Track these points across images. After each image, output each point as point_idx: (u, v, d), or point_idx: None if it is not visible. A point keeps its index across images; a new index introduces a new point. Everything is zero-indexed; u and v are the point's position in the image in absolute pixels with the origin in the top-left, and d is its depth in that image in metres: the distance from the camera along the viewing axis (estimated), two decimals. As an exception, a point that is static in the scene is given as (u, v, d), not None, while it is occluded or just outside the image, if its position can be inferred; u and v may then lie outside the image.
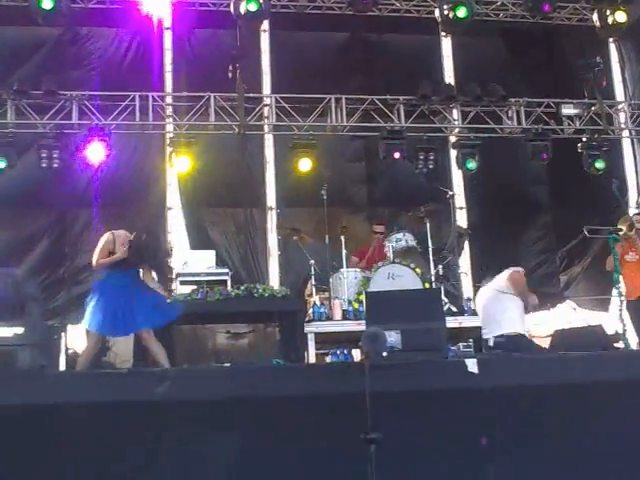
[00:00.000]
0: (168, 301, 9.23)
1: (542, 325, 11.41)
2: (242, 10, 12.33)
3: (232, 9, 12.49)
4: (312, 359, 10.00)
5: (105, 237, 8.84)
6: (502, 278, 9.99)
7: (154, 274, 9.25)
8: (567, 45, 15.88)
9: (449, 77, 15.76)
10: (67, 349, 9.34)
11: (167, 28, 14.93)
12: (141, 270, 8.99)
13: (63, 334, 9.18)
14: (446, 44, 15.90)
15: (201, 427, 6.57)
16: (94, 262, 8.86)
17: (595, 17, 13.72)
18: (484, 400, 6.96)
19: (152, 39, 14.58)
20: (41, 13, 11.92)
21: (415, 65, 15.07)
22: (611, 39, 15.92)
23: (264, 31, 15.10)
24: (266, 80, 15.12)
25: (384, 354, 7.04)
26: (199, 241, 14.44)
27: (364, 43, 15.59)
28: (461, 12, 12.94)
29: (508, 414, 6.96)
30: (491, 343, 9.44)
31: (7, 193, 13.53)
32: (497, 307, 9.84)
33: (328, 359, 11.65)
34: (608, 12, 13.49)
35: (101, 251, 8.78)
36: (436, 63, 15.82)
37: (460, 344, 10.55)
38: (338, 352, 11.63)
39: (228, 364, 8.86)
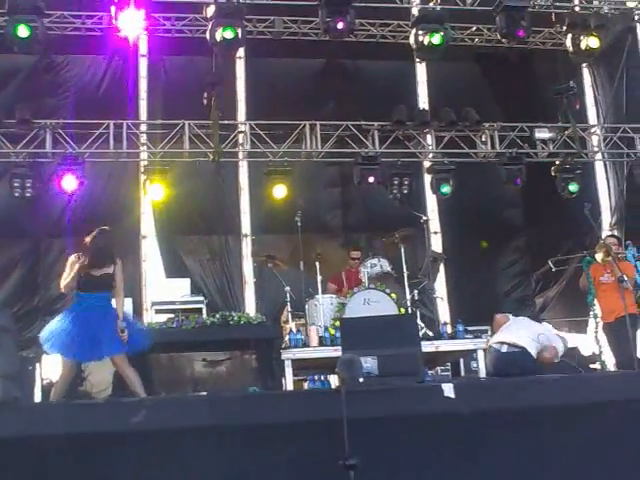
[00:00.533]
0: (140, 329, 9.09)
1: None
2: (218, 37, 12.32)
3: (208, 36, 12.46)
4: (290, 386, 9.95)
5: (70, 259, 8.69)
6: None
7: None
8: (541, 69, 16.02)
9: (423, 102, 15.86)
10: (42, 379, 9.26)
11: (142, 55, 14.99)
12: (114, 265, 8.78)
13: (38, 364, 9.10)
14: (421, 69, 16.03)
15: (179, 456, 6.53)
16: (62, 285, 8.73)
17: (568, 42, 13.81)
18: (462, 424, 6.95)
19: (127, 66, 14.63)
20: (17, 41, 11.84)
21: (390, 90, 15.18)
22: (584, 64, 16.04)
23: (239, 58, 15.18)
24: (241, 107, 15.21)
25: (360, 380, 7.02)
26: (174, 269, 14.40)
27: (339, 69, 15.72)
28: (436, 39, 12.89)
29: (485, 438, 6.95)
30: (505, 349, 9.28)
31: (-20, 222, 13.50)
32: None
33: (306, 385, 11.62)
34: (581, 37, 13.58)
35: (68, 274, 8.66)
36: (411, 88, 15.96)
37: (438, 368, 10.56)
38: (315, 378, 11.60)
39: (205, 392, 8.82)
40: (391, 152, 14.60)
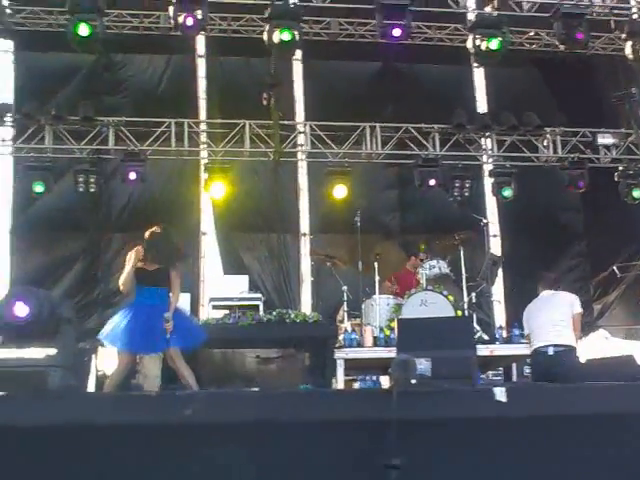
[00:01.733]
0: (197, 325, 9.18)
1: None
2: (275, 39, 12.35)
3: (265, 38, 12.53)
4: (340, 385, 9.96)
5: (129, 254, 8.79)
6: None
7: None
8: (602, 75, 15.84)
9: (481, 107, 15.76)
10: (97, 371, 9.39)
11: (200, 56, 15.10)
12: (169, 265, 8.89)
13: (93, 356, 9.23)
14: (478, 74, 15.94)
15: (228, 450, 6.55)
16: (120, 283, 8.83)
17: (628, 50, 13.61)
18: (512, 429, 6.88)
19: (185, 66, 14.76)
20: (77, 39, 12.01)
21: (447, 95, 15.13)
22: (645, 71, 15.85)
23: (297, 59, 15.19)
24: (299, 108, 15.26)
25: (413, 381, 6.99)
26: (232, 266, 14.54)
27: (396, 72, 15.63)
28: (494, 44, 12.78)
29: (536, 444, 6.88)
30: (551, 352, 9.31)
31: (44, 216, 13.78)
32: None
33: (356, 385, 11.62)
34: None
35: (126, 271, 8.77)
36: (468, 93, 15.87)
37: (489, 372, 10.49)
38: (367, 378, 11.59)
39: (256, 389, 8.85)
40: (452, 155, 14.55)
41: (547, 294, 9.99)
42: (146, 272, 8.69)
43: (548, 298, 9.95)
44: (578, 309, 9.81)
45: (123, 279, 8.75)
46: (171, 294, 8.78)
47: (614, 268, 12.92)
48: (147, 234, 8.82)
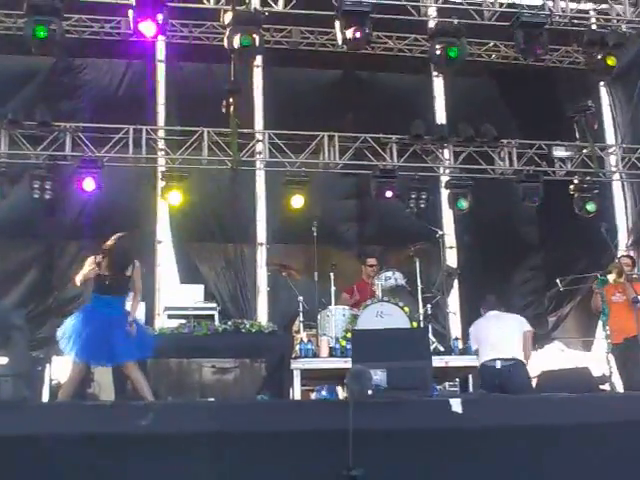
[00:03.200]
0: (150, 334, 9.11)
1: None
2: (236, 45, 12.33)
3: (226, 43, 12.49)
4: (297, 395, 9.94)
5: (89, 259, 8.69)
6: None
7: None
8: (559, 87, 15.99)
9: (440, 117, 15.82)
10: (51, 380, 9.29)
11: (160, 61, 15.05)
12: (132, 268, 8.81)
13: (47, 365, 9.13)
14: (438, 83, 15.99)
15: (184, 461, 6.54)
16: (77, 279, 8.78)
17: (586, 61, 13.79)
18: (467, 440, 6.93)
19: (145, 71, 14.73)
20: (35, 42, 11.88)
21: (407, 104, 15.21)
22: (602, 83, 16.01)
23: (257, 66, 15.16)
24: (258, 116, 15.18)
25: (369, 392, 7.01)
26: (188, 275, 14.45)
27: (357, 81, 15.71)
28: (453, 52, 12.93)
29: (492, 455, 6.93)
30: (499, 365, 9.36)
31: (-2, 223, 13.62)
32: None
33: (313, 396, 11.61)
34: (599, 55, 13.55)
35: (82, 270, 8.70)
36: (428, 102, 15.91)
37: (446, 383, 10.52)
38: (323, 389, 11.59)
39: (212, 399, 8.83)
40: (409, 166, 14.59)
41: (493, 313, 10.07)
42: (104, 280, 8.62)
43: (496, 315, 10.04)
44: (528, 327, 9.89)
45: (83, 276, 8.68)
46: (132, 299, 8.79)
47: (557, 282, 12.98)
48: (110, 243, 8.73)
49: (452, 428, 7.01)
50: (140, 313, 9.72)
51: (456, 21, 13.20)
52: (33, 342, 12.05)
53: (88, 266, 8.67)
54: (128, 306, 8.76)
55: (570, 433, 7.09)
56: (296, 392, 9.97)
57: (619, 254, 13.15)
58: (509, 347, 9.41)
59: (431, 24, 13.66)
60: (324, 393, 11.05)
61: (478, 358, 9.80)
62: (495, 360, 9.28)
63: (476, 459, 6.89)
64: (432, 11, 13.94)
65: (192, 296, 11.06)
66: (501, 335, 9.63)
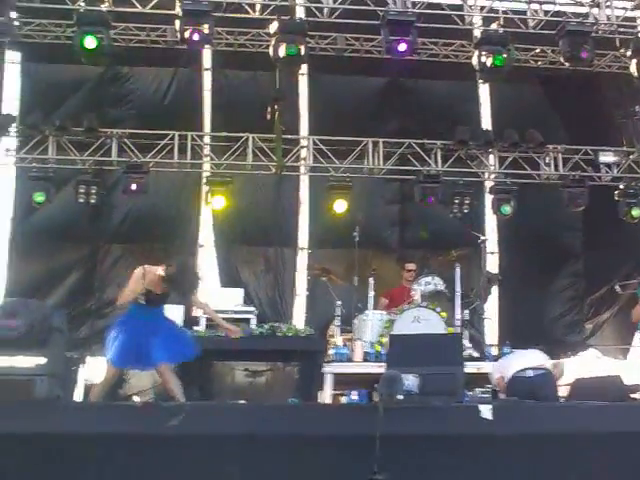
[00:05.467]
0: (189, 338, 9.23)
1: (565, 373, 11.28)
2: (281, 53, 12.42)
3: (271, 52, 12.60)
4: (327, 399, 10.00)
5: (136, 273, 8.84)
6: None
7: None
8: (606, 93, 15.80)
9: (486, 123, 15.76)
10: (85, 380, 9.45)
11: (206, 69, 15.18)
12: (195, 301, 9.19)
13: (81, 365, 9.29)
14: (483, 90, 15.90)
15: (213, 462, 6.62)
16: (120, 299, 8.94)
17: (633, 67, 13.63)
18: (497, 447, 6.92)
19: (192, 79, 14.88)
20: (84, 52, 12.08)
21: (452, 110, 15.19)
22: (649, 89, 15.85)
23: (302, 74, 15.23)
24: (303, 122, 15.29)
25: (399, 397, 7.04)
26: (230, 279, 14.61)
27: (401, 87, 15.69)
28: (498, 61, 12.89)
29: (522, 462, 6.92)
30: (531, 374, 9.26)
31: (43, 226, 13.92)
32: None
33: (343, 400, 11.64)
34: (646, 63, 13.42)
35: (130, 289, 8.84)
36: (473, 108, 15.86)
37: (477, 390, 10.48)
38: (353, 393, 11.61)
39: (243, 401, 8.90)
40: (453, 171, 14.60)
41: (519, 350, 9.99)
42: (154, 296, 8.80)
43: (520, 351, 9.95)
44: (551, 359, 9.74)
45: (125, 298, 8.83)
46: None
47: (615, 286, 12.84)
48: (170, 269, 8.83)
49: (481, 434, 7.01)
50: (178, 317, 9.90)
51: (501, 30, 13.18)
52: (71, 343, 12.25)
53: (134, 283, 8.80)
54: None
55: (599, 441, 7.04)
56: (326, 396, 10.05)
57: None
58: (539, 359, 9.29)
59: (476, 32, 13.65)
60: (354, 398, 11.06)
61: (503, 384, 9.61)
62: (526, 370, 9.14)
63: (505, 466, 6.88)
64: (477, 19, 13.90)
65: (232, 300, 11.20)
66: (532, 352, 9.53)
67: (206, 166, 14.44)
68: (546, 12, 13.44)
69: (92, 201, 13.44)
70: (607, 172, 14.92)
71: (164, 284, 8.76)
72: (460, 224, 14.36)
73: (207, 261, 14.76)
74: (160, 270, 8.75)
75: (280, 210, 15.03)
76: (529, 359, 9.24)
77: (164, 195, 14.43)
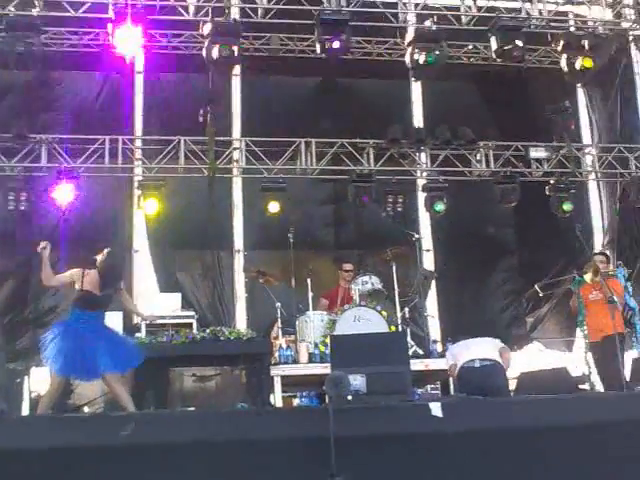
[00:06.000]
0: (133, 345, 9.10)
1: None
2: (214, 55, 12.35)
3: (204, 54, 12.50)
4: (278, 402, 9.96)
5: (75, 271, 8.77)
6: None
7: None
8: (537, 89, 16.01)
9: (418, 121, 15.78)
10: (30, 392, 9.26)
11: (139, 72, 14.95)
12: (118, 291, 8.98)
13: (26, 377, 9.10)
14: (416, 88, 15.92)
15: (165, 471, 6.54)
16: (48, 282, 8.84)
17: (563, 62, 13.85)
18: (449, 444, 6.95)
19: (123, 82, 14.65)
20: (13, 57, 11.87)
21: (385, 109, 15.16)
22: (579, 84, 16.08)
23: (235, 75, 15.07)
24: (236, 123, 15.10)
25: (349, 398, 7.03)
26: (166, 284, 14.36)
27: (335, 87, 15.71)
28: (431, 57, 12.98)
29: (473, 458, 6.95)
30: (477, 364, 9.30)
31: (-27, 234, 13.55)
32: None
33: (295, 402, 11.61)
34: (576, 58, 13.62)
35: (62, 276, 8.78)
36: (406, 106, 15.86)
37: (428, 386, 10.54)
38: (304, 395, 11.60)
39: (193, 408, 8.82)
40: (386, 170, 14.62)
41: (470, 339, 10.02)
42: (93, 296, 8.67)
43: (471, 340, 9.96)
44: (503, 345, 9.80)
45: (55, 281, 8.82)
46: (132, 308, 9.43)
47: (535, 286, 13.05)
48: (99, 258, 8.76)
49: (433, 432, 7.03)
50: (117, 323, 9.76)
51: (434, 27, 13.28)
52: (11, 353, 12.00)
53: (69, 276, 8.70)
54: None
55: (550, 434, 7.11)
56: (277, 399, 10.01)
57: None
58: (487, 351, 9.39)
59: (410, 30, 13.71)
60: (305, 400, 11.07)
61: (454, 370, 9.69)
62: (474, 360, 9.25)
63: (458, 462, 6.91)
64: (411, 17, 13.97)
65: (170, 305, 11.07)
66: (479, 342, 9.60)
67: (138, 170, 14.20)
68: (479, 8, 13.59)
69: (22, 208, 13.09)
70: (538, 168, 15.12)
71: (101, 282, 8.66)
72: (394, 223, 14.37)
73: (144, 267, 14.53)
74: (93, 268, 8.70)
75: (214, 213, 14.84)
76: (479, 349, 9.32)
77: (96, 201, 14.14)
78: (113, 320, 9.63)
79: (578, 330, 12.09)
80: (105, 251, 8.87)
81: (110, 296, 8.82)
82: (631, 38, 15.30)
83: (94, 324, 8.67)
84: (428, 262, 14.80)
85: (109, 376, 8.47)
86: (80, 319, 8.66)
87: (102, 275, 8.69)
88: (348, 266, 12.56)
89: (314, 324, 11.08)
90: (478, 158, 15.04)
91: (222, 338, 10.06)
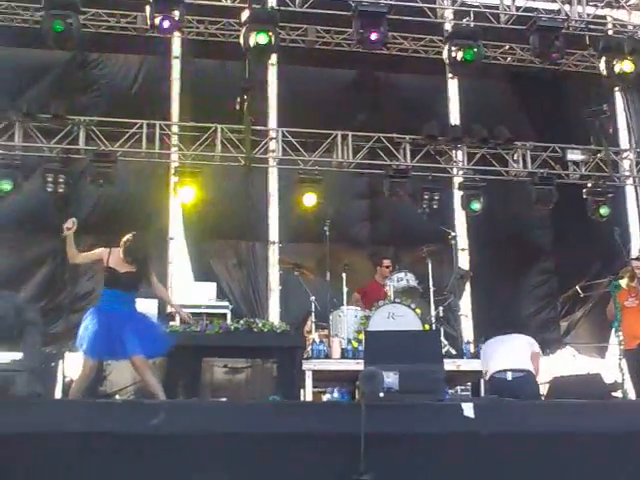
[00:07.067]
0: (163, 332, 9.10)
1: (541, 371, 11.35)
2: (252, 42, 12.30)
3: (241, 41, 12.48)
4: (309, 397, 9.94)
5: (101, 249, 8.84)
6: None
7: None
8: (574, 91, 15.94)
9: (454, 118, 15.75)
10: (64, 377, 9.29)
11: (176, 57, 15.02)
12: (151, 280, 9.02)
13: (60, 361, 9.12)
14: (453, 85, 15.89)
15: (194, 461, 6.52)
16: (74, 259, 8.88)
17: (602, 66, 13.74)
18: (479, 445, 6.90)
19: (160, 67, 14.72)
20: (52, 36, 11.90)
21: (421, 105, 15.19)
22: (617, 88, 15.95)
23: (272, 64, 15.10)
24: (272, 113, 15.13)
25: (381, 395, 6.99)
26: (201, 273, 14.44)
27: (371, 81, 15.75)
28: (469, 55, 12.93)
29: (503, 460, 6.90)
30: (510, 377, 9.21)
31: (11, 216, 13.67)
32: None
33: (325, 397, 11.59)
34: (615, 61, 13.51)
35: (89, 254, 8.87)
36: (442, 103, 15.81)
37: (458, 387, 10.49)
38: (336, 391, 11.56)
39: (224, 399, 8.81)
40: (422, 166, 14.57)
41: (501, 336, 9.91)
42: (116, 273, 8.69)
43: (504, 337, 9.85)
44: (537, 349, 9.71)
45: (80, 258, 8.89)
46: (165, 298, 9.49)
47: (577, 288, 12.96)
48: (123, 239, 8.78)
49: (464, 432, 6.98)
50: (153, 311, 9.76)
51: (472, 24, 13.22)
52: (46, 338, 12.05)
53: (96, 255, 8.82)
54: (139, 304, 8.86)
55: (581, 440, 7.04)
56: (307, 393, 10.00)
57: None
58: (520, 358, 9.26)
59: (447, 26, 13.66)
60: (335, 395, 11.02)
61: (485, 375, 9.61)
62: (506, 371, 9.12)
63: (487, 464, 6.86)
64: (449, 13, 13.91)
65: (205, 294, 11.03)
66: (511, 347, 9.48)
67: (174, 156, 14.25)
68: (518, 8, 13.51)
69: (60, 190, 13.14)
70: (575, 170, 15.03)
71: (125, 260, 8.69)
72: (430, 220, 14.31)
73: (178, 254, 14.55)
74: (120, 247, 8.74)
75: (250, 203, 14.89)
76: (512, 356, 9.20)
77: (133, 185, 14.24)
78: (148, 307, 9.62)
79: (612, 336, 11.98)
80: (128, 235, 8.86)
81: (133, 275, 8.78)
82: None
83: (122, 305, 8.69)
84: (464, 261, 14.77)
85: (140, 362, 8.47)
86: (108, 299, 8.73)
87: (125, 253, 8.69)
88: (388, 262, 12.51)
89: (348, 319, 11.03)
90: (515, 158, 14.96)
91: (255, 330, 10.03)
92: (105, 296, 8.80)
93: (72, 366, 9.54)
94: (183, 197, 13.80)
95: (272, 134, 14.41)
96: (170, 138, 14.08)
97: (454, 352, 11.19)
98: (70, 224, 8.61)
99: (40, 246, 14.12)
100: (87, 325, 8.50)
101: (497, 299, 14.82)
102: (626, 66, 13.45)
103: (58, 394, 8.75)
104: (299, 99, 14.87)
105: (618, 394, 9.45)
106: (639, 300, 10.10)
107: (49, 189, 13.12)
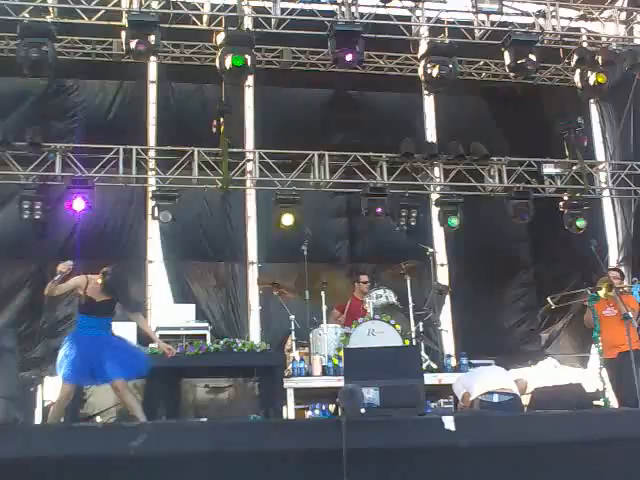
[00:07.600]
0: (141, 354, 9.08)
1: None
2: (227, 65, 12.37)
3: (217, 64, 12.53)
4: (291, 414, 9.93)
5: (78, 278, 8.74)
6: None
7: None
8: (549, 105, 16.07)
9: (431, 135, 15.86)
10: (43, 401, 9.25)
11: (152, 82, 15.05)
12: (130, 314, 9.02)
13: (40, 386, 9.10)
14: (429, 102, 16.01)
15: (178, 482, 6.51)
16: (47, 289, 8.65)
17: (577, 78, 13.87)
18: (461, 458, 6.90)
19: (137, 92, 14.76)
20: (28, 63, 11.91)
21: (397, 123, 15.27)
22: (592, 100, 16.07)
23: (248, 86, 15.15)
24: (249, 135, 15.20)
25: (362, 410, 7.00)
26: (181, 295, 14.44)
27: (347, 100, 15.81)
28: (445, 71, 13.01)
29: (485, 472, 6.90)
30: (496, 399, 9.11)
31: (-13, 243, 13.58)
32: None
33: (307, 414, 11.58)
34: (589, 73, 13.64)
35: (65, 285, 8.71)
36: (418, 121, 15.96)
37: (441, 400, 10.49)
38: (317, 407, 11.56)
39: (205, 419, 8.79)
40: (399, 184, 14.61)
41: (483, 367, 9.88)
42: (95, 303, 8.65)
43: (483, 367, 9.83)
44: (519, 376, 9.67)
45: (56, 290, 8.64)
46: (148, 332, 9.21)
47: (548, 299, 12.99)
48: (105, 269, 8.74)
49: (445, 445, 6.98)
50: (131, 333, 9.74)
51: (447, 40, 13.31)
52: (25, 362, 12.00)
53: (72, 284, 8.70)
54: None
55: (563, 450, 7.06)
56: (290, 411, 9.98)
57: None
58: (505, 381, 9.15)
59: (422, 43, 13.74)
60: (317, 412, 11.02)
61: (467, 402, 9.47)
62: (492, 393, 9.03)
63: (469, 476, 6.86)
64: (424, 30, 13.99)
65: (184, 315, 11.04)
66: (496, 372, 9.42)
67: (152, 180, 14.25)
68: (492, 22, 13.62)
69: (37, 217, 13.10)
70: (551, 184, 15.12)
71: (103, 292, 8.63)
72: (408, 237, 14.36)
73: (158, 277, 14.55)
74: (99, 278, 8.64)
75: (228, 225, 14.90)
76: (494, 380, 9.12)
77: (111, 210, 14.24)
78: (126, 330, 9.60)
79: (593, 346, 12.02)
80: (110, 267, 8.83)
81: (110, 302, 8.72)
82: (644, 54, 15.27)
83: (99, 330, 8.65)
84: (442, 276, 14.84)
85: (120, 385, 8.44)
86: (84, 325, 8.67)
87: (103, 287, 8.66)
88: (365, 277, 12.54)
89: (328, 337, 11.04)
90: (491, 173, 15.03)
91: (236, 350, 10.05)
92: (81, 321, 8.74)
93: (52, 390, 9.52)
94: (161, 220, 13.76)
95: (249, 156, 14.42)
96: (147, 162, 14.05)
97: (435, 366, 11.20)
98: (65, 267, 8.54)
99: (17, 272, 14.09)
100: (65, 352, 8.46)
101: (477, 313, 14.87)
102: (600, 78, 13.59)
103: (38, 418, 8.73)
104: (276, 120, 14.98)
105: (600, 403, 9.49)
106: (617, 310, 10.12)
107: (25, 216, 13.06)
